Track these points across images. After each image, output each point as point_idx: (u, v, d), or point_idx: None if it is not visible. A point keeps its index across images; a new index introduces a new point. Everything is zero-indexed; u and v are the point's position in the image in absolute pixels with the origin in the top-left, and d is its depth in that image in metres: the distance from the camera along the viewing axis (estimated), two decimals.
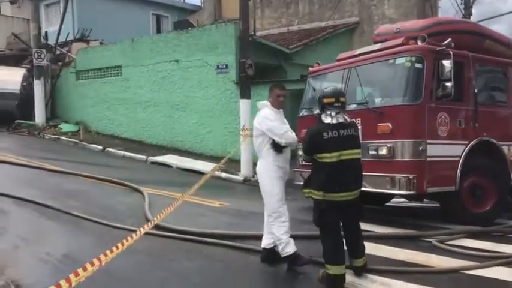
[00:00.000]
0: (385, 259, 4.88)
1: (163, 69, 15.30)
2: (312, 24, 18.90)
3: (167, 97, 15.25)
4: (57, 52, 19.66)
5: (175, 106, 15.06)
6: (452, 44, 6.23)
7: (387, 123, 6.09)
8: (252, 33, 12.96)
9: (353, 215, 4.32)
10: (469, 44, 6.79)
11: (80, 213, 6.36)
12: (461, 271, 4.51)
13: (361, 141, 5.13)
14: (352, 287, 4.12)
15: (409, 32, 6.87)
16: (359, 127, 5.98)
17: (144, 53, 15.91)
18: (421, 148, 5.96)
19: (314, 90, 7.57)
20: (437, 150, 6.09)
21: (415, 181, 5.88)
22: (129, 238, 2.72)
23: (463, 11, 16.55)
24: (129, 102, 16.40)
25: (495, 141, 6.72)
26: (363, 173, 4.45)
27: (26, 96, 17.64)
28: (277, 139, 4.56)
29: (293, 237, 5.60)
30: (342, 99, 4.26)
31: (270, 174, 4.61)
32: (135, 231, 3.12)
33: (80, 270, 2.16)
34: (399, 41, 6.53)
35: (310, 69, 8.05)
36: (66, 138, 15.91)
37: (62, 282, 1.97)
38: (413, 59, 6.16)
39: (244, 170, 11.23)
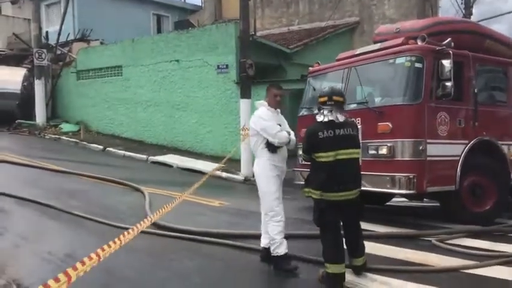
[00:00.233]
0: (385, 258, 4.89)
1: (164, 69, 15.32)
2: (312, 24, 18.91)
3: (167, 97, 15.27)
4: (58, 52, 19.68)
5: (176, 106, 15.07)
6: (452, 44, 6.25)
7: (387, 123, 6.10)
8: (253, 33, 12.97)
9: (353, 214, 4.33)
10: (469, 44, 6.80)
11: (81, 213, 6.37)
12: (461, 270, 4.52)
13: (361, 141, 5.17)
14: (352, 286, 4.13)
15: (409, 31, 6.89)
16: (359, 127, 6.01)
17: (144, 53, 15.93)
18: (421, 147, 5.97)
19: (314, 89, 7.59)
20: (437, 149, 6.11)
21: (415, 180, 5.89)
22: (125, 233, 2.74)
23: (464, 11, 16.55)
24: (130, 102, 16.41)
25: (495, 141, 6.73)
26: (363, 173, 4.47)
27: (26, 96, 17.65)
28: (270, 139, 4.57)
29: (293, 236, 5.64)
30: (335, 98, 4.25)
31: (266, 173, 4.61)
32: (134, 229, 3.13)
33: (78, 265, 2.17)
34: (399, 40, 6.55)
35: (310, 69, 8.06)
36: (67, 138, 15.93)
37: (61, 276, 1.98)
38: (413, 58, 6.18)
39: (245, 170, 11.24)
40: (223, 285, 4.33)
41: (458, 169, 6.24)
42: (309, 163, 4.45)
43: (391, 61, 6.41)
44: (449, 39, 6.27)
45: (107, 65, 17.19)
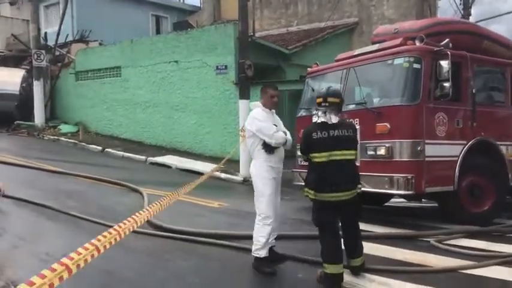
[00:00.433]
0: (383, 259, 4.89)
1: (163, 70, 15.32)
2: (311, 25, 18.92)
3: (166, 98, 15.27)
4: (57, 53, 19.68)
5: (175, 107, 15.07)
6: (450, 45, 6.26)
7: (385, 123, 6.11)
8: (251, 34, 12.99)
9: (351, 214, 4.34)
10: (467, 45, 6.81)
11: (78, 214, 6.37)
12: (459, 270, 4.52)
13: (359, 142, 5.17)
14: (350, 286, 4.13)
15: (407, 32, 6.90)
16: (357, 127, 6.01)
17: (143, 54, 15.93)
18: (419, 148, 5.97)
19: (313, 90, 7.59)
20: (435, 150, 6.11)
21: (414, 181, 5.90)
22: (111, 230, 2.71)
23: (462, 12, 16.57)
24: (129, 103, 16.41)
25: (493, 141, 6.74)
26: (362, 173, 4.47)
27: (25, 97, 17.64)
28: (267, 140, 4.55)
29: (292, 237, 5.64)
30: (330, 99, 4.26)
31: (262, 175, 4.59)
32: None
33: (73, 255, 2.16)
34: (397, 41, 6.57)
35: (309, 69, 8.07)
36: (66, 139, 15.92)
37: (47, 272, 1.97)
38: (412, 59, 6.18)
39: (244, 171, 11.23)
40: (221, 286, 4.33)
41: (456, 169, 6.24)
42: (307, 163, 4.47)
43: (389, 62, 6.42)
44: (447, 39, 6.28)
45: (105, 66, 17.19)
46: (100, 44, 19.72)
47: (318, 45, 16.11)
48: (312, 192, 4.15)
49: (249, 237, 4.70)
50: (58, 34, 18.72)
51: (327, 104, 4.24)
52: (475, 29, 7.68)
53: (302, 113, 7.76)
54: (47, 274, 1.93)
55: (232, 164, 11.58)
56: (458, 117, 6.45)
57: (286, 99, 12.74)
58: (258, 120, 4.62)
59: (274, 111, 4.84)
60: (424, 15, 15.04)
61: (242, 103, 11.52)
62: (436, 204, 7.10)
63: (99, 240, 2.43)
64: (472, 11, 17.32)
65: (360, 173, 4.57)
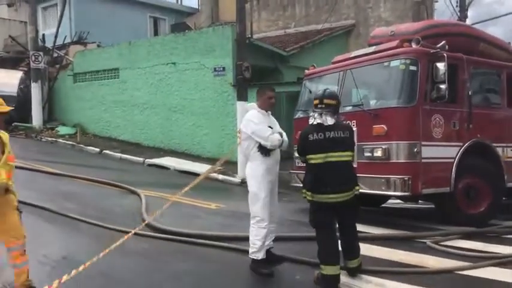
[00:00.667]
0: (380, 260, 4.92)
1: (161, 71, 15.33)
2: (309, 27, 18.96)
3: (164, 99, 15.28)
4: (55, 55, 19.64)
5: (173, 108, 15.08)
6: (447, 47, 6.28)
7: (382, 125, 6.14)
8: (249, 35, 13.00)
9: (348, 216, 4.36)
10: (463, 47, 6.85)
11: (76, 215, 6.38)
12: (456, 271, 4.55)
13: (356, 143, 5.19)
14: (347, 287, 4.15)
15: (403, 34, 6.92)
16: (354, 129, 6.03)
17: (141, 56, 15.94)
18: (415, 150, 6.00)
19: (310, 92, 7.61)
20: (432, 151, 6.14)
21: (410, 182, 5.92)
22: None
23: (459, 14, 16.61)
24: (126, 105, 16.41)
25: (489, 143, 6.77)
26: (359, 175, 4.49)
27: (23, 99, 17.58)
28: (262, 142, 4.54)
29: (289, 238, 5.66)
30: (326, 101, 4.29)
31: (258, 177, 4.57)
32: (131, 232, 3.16)
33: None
34: (394, 43, 6.60)
35: (306, 71, 8.10)
36: (64, 141, 15.90)
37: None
38: (408, 61, 6.21)
39: (241, 172, 11.22)
40: (218, 287, 4.34)
41: (453, 171, 6.27)
42: (304, 165, 4.49)
43: (386, 64, 6.45)
44: (443, 42, 6.31)
45: (103, 67, 17.19)
46: (98, 45, 19.70)
47: (315, 47, 16.15)
48: (309, 193, 4.18)
49: (247, 239, 4.72)
50: (56, 36, 18.70)
51: (323, 106, 4.27)
52: (471, 31, 7.72)
53: (299, 114, 7.79)
54: None
55: (230, 166, 11.60)
56: (454, 119, 6.48)
57: (284, 101, 12.76)
58: (253, 122, 4.62)
59: (270, 112, 4.84)
60: (421, 18, 15.08)
61: (240, 105, 11.52)
62: (433, 206, 7.13)
63: None
64: (469, 13, 17.39)
65: (357, 175, 4.60)
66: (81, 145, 15.29)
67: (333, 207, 4.14)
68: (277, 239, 4.97)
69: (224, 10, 22.46)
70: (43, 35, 19.92)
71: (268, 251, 4.72)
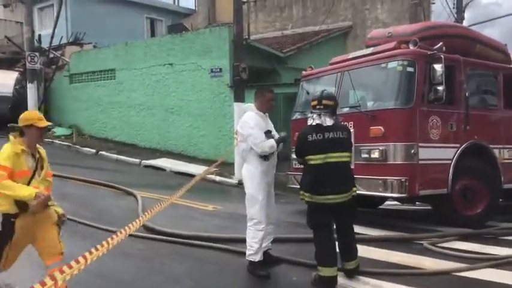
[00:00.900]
0: (377, 261, 4.92)
1: (157, 72, 15.30)
2: (306, 28, 18.97)
3: (161, 100, 15.24)
4: (51, 55, 19.58)
5: (169, 109, 15.05)
6: (444, 48, 6.30)
7: (379, 127, 6.14)
8: (246, 37, 13.00)
9: (346, 217, 4.36)
10: (460, 48, 6.87)
11: (72, 217, 6.33)
12: (453, 273, 4.55)
13: (354, 145, 5.19)
14: None
15: (401, 36, 6.93)
16: (352, 130, 6.04)
17: (137, 57, 15.90)
18: (412, 151, 6.01)
19: (307, 93, 7.62)
20: (429, 153, 6.15)
21: (407, 184, 5.93)
22: (113, 236, 2.73)
23: (455, 15, 16.67)
24: (123, 106, 16.37)
25: (486, 144, 6.79)
26: (356, 176, 4.48)
27: (19, 99, 17.50)
28: (254, 147, 4.54)
29: (287, 240, 5.65)
30: (325, 102, 4.29)
31: (256, 180, 4.56)
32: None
33: (65, 268, 2.17)
34: (391, 45, 6.61)
35: (304, 72, 8.10)
36: (59, 142, 15.84)
37: (47, 280, 1.97)
38: (405, 63, 6.22)
39: (238, 174, 11.20)
40: None
41: (450, 172, 6.28)
42: (302, 166, 4.48)
43: (383, 65, 6.46)
44: (440, 43, 6.32)
45: (100, 68, 17.13)
46: (94, 46, 19.66)
47: (313, 48, 16.16)
48: (308, 194, 4.16)
49: (244, 241, 4.71)
50: (52, 36, 18.63)
51: (322, 107, 4.27)
52: (468, 33, 7.74)
53: (297, 116, 7.78)
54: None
55: (227, 167, 11.58)
56: (451, 120, 6.49)
57: (281, 102, 12.75)
58: (249, 126, 4.57)
59: (267, 114, 4.82)
60: (418, 19, 15.11)
61: (237, 106, 11.51)
62: (430, 207, 7.14)
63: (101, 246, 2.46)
64: (466, 15, 17.45)
65: (355, 176, 4.59)
66: (77, 146, 15.23)
67: (330, 208, 4.13)
68: (274, 241, 4.96)
69: (221, 11, 22.45)
70: (39, 35, 19.85)
71: (265, 253, 4.71)
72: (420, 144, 6.07)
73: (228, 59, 13.31)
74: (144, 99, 15.69)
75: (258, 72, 13.87)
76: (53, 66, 19.03)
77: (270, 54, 14.86)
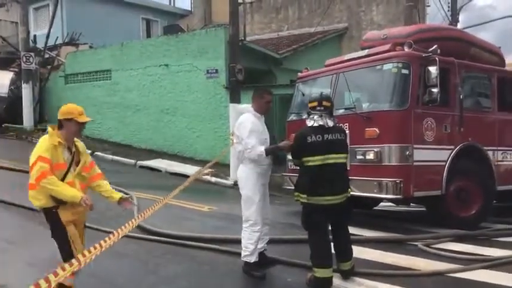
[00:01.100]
0: (372, 262, 4.94)
1: (153, 73, 15.28)
2: (302, 30, 19.03)
3: (157, 101, 15.23)
4: (46, 56, 19.51)
5: (165, 110, 15.03)
6: (438, 51, 6.33)
7: (374, 128, 6.17)
8: (242, 38, 13.02)
9: (341, 218, 4.37)
10: (455, 51, 6.90)
11: None
12: (447, 274, 4.58)
13: (349, 146, 5.20)
14: None
15: (396, 38, 6.97)
16: (347, 132, 6.05)
17: (133, 57, 15.88)
18: (407, 153, 6.04)
19: (303, 95, 7.64)
20: (423, 154, 6.18)
21: (402, 185, 5.95)
22: (106, 239, 2.74)
23: (450, 18, 16.77)
24: (119, 106, 16.33)
25: (480, 146, 6.83)
26: (351, 177, 4.50)
27: (14, 99, 17.46)
28: (245, 154, 4.53)
29: (282, 241, 5.66)
30: (325, 103, 4.29)
31: (252, 181, 4.55)
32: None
33: (59, 270, 2.17)
34: (386, 47, 6.63)
35: (299, 74, 8.12)
36: None
37: (41, 282, 1.98)
38: (400, 65, 6.26)
39: (234, 175, 11.22)
40: None
41: (444, 174, 6.31)
42: (298, 168, 4.48)
43: (378, 67, 6.49)
44: (435, 46, 6.35)
45: (95, 69, 17.09)
46: (90, 47, 19.60)
47: (308, 50, 16.20)
48: (304, 195, 4.16)
49: (239, 241, 4.71)
50: (47, 37, 18.57)
51: (322, 108, 4.27)
52: (462, 36, 7.79)
53: (292, 117, 7.80)
54: None
55: (222, 168, 11.59)
56: (446, 122, 6.52)
57: (277, 103, 12.78)
58: (244, 129, 4.55)
59: (263, 116, 4.81)
60: (413, 21, 15.18)
61: (233, 107, 11.53)
62: (424, 209, 7.17)
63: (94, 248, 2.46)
64: (460, 17, 17.55)
65: (350, 177, 4.61)
66: None
67: (326, 209, 4.14)
68: (269, 242, 4.97)
69: (217, 12, 22.47)
70: (34, 35, 19.79)
71: (261, 254, 4.71)
72: (415, 146, 6.10)
73: (224, 60, 13.32)
74: (140, 100, 15.67)
75: (254, 74, 13.89)
76: (48, 67, 18.97)
77: (266, 55, 14.88)
